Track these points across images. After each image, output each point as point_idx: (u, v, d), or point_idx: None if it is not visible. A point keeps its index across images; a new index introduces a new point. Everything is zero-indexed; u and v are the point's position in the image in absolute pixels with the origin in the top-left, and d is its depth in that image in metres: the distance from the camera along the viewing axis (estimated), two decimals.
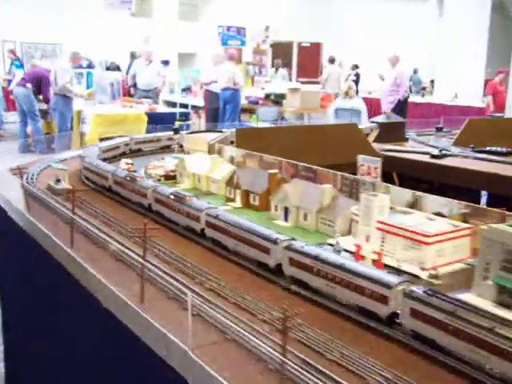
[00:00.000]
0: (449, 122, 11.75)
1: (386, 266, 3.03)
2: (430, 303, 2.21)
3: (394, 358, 2.22)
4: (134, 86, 17.09)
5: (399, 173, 7.18)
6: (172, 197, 3.70)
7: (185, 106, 18.27)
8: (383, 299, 2.38)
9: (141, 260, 2.42)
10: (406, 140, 7.89)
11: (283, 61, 26.02)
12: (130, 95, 17.05)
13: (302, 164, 4.30)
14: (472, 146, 7.39)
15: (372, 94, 25.51)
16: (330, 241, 3.42)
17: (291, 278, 2.86)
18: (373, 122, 7.72)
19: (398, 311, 2.37)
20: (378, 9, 30.83)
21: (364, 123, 19.15)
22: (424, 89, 29.44)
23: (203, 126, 19.10)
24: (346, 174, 3.97)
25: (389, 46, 29.97)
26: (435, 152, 6.77)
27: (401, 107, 19.01)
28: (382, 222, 3.18)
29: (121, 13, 24.20)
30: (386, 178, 6.97)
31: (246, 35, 23.12)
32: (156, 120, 14.43)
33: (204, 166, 4.67)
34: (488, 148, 7.14)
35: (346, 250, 3.25)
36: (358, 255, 3.11)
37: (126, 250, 2.86)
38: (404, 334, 2.34)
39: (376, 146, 6.95)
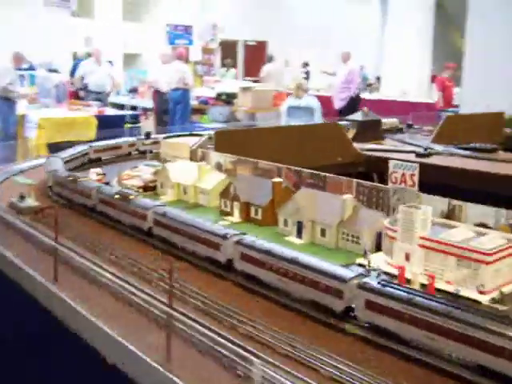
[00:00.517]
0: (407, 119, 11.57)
1: (438, 291, 2.58)
2: (385, 294, 2.20)
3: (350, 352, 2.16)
4: (84, 88, 16.17)
5: (380, 173, 6.80)
6: (117, 196, 3.60)
7: (133, 107, 17.55)
8: (338, 293, 2.35)
9: (167, 310, 1.86)
10: (383, 138, 7.52)
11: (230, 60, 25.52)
12: (79, 98, 16.13)
13: (306, 170, 3.81)
14: (455, 143, 7.09)
15: (320, 92, 25.29)
16: (359, 260, 2.94)
17: (243, 274, 2.80)
18: (348, 121, 7.30)
19: (352, 305, 2.33)
20: (324, 7, 30.69)
21: (317, 121, 18.87)
22: (370, 85, 29.46)
23: (152, 128, 18.42)
24: (363, 182, 3.50)
25: (336, 43, 29.89)
26: (420, 150, 6.42)
27: (353, 104, 18.77)
28: (426, 239, 2.72)
29: (60, 12, 23.12)
30: (366, 179, 6.58)
31: (193, 34, 22.48)
32: (105, 123, 13.68)
33: (190, 175, 4.12)
34: (472, 144, 6.84)
35: (385, 273, 2.78)
36: (401, 278, 2.64)
37: (135, 291, 2.30)
38: (360, 326, 2.31)
39: (356, 146, 6.55)
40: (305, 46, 28.96)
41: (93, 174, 4.70)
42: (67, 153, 5.10)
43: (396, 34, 26.68)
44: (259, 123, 18.89)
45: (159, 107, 17.37)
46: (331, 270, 2.42)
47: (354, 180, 3.53)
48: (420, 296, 2.14)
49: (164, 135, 5.14)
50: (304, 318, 2.46)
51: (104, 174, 4.62)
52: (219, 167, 4.34)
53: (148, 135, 5.34)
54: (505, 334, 1.90)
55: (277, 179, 3.59)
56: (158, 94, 17.38)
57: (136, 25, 25.15)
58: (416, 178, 3.17)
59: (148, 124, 17.29)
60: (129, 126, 13.96)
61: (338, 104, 18.80)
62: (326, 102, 20.08)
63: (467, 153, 6.52)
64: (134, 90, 19.92)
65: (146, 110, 17.46)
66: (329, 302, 2.37)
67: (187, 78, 17.09)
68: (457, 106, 21.40)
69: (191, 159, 4.54)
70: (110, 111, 15.14)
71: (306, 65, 27.07)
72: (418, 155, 6.30)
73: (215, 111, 18.36)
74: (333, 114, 19.31)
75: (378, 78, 29.37)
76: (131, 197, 3.53)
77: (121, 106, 17.59)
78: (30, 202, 3.89)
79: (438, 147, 6.68)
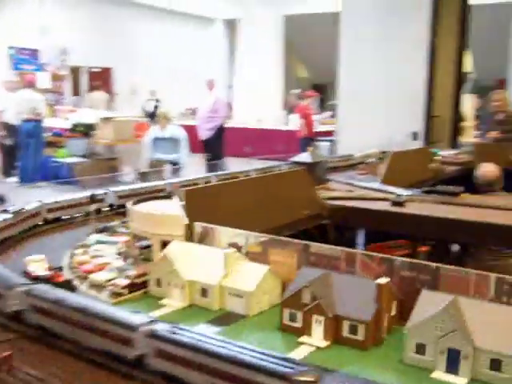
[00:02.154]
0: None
1: None
2: (175, 341, 2.09)
3: None
4: None
5: (341, 226, 5.87)
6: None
7: None
8: (127, 342, 2.19)
9: None
10: (328, 181, 6.58)
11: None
12: None
13: (398, 258, 2.69)
14: (406, 184, 6.42)
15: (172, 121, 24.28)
16: None
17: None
18: (295, 163, 6.27)
19: (144, 353, 2.16)
20: (169, 35, 29.83)
21: (183, 153, 17.73)
22: None
23: None
24: (504, 276, 2.46)
25: (183, 71, 29.04)
26: (393, 198, 5.56)
27: (219, 134, 17.97)
28: None
29: None
30: (321, 230, 5.63)
31: (40, 59, 20.22)
32: None
33: (207, 268, 2.83)
34: (437, 188, 6.13)
35: None
36: None
37: None
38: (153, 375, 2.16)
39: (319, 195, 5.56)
40: (152, 73, 27.79)
41: (33, 265, 3.19)
42: None
43: (248, 61, 26.51)
44: (121, 156, 17.38)
45: (6, 141, 15.33)
46: (119, 317, 2.26)
47: (490, 275, 2.47)
48: (209, 342, 2.04)
49: (127, 199, 3.71)
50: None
51: (60, 269, 3.13)
52: (235, 250, 3.07)
53: (93, 199, 3.84)
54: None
55: (383, 280, 2.44)
56: (4, 126, 15.35)
57: None
58: None
59: None
60: None
61: (204, 134, 17.89)
62: (190, 131, 19.04)
63: (437, 198, 5.78)
64: None
65: None
66: (120, 351, 2.21)
67: (40, 107, 15.24)
68: (317, 135, 21.44)
69: (186, 238, 3.23)
70: None
71: (153, 93, 25.91)
72: (395, 204, 5.44)
73: (73, 144, 16.56)
74: (198, 145, 18.29)
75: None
76: None
77: None
78: None
79: (404, 192, 5.88)
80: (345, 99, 13.93)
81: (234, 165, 15.08)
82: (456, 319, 2.16)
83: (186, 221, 3.18)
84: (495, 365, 2.11)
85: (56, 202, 4.37)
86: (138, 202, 3.56)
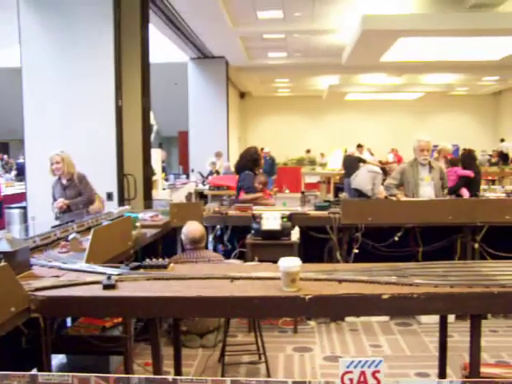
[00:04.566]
0: None
1: None
2: None
3: None
4: None
5: (49, 315, 5.56)
6: None
7: None
8: None
9: None
10: (31, 267, 6.14)
11: None
12: None
13: (134, 376, 2.62)
14: (126, 262, 6.42)
15: None
16: None
17: None
18: None
19: None
20: None
21: None
22: None
23: None
24: (238, 379, 2.56)
25: None
26: (104, 280, 5.42)
27: None
28: None
29: None
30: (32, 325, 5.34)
31: None
32: None
33: None
34: (145, 263, 6.14)
35: None
36: None
37: None
38: None
39: (25, 287, 5.17)
40: None
41: None
42: None
43: None
44: None
45: None
46: None
47: (219, 379, 2.56)
48: None
49: None
50: None
51: None
52: None
53: None
54: None
55: None
56: None
57: None
58: (381, 375, 2.36)
59: None
60: None
61: None
62: None
63: (151, 273, 5.83)
64: None
65: None
66: None
67: None
68: (6, 200, 20.30)
69: None
70: None
71: None
72: (106, 287, 5.34)
73: None
74: None
75: None
76: None
77: None
78: None
79: (114, 271, 5.81)
80: (32, 162, 13.19)
81: None
82: None
83: None
84: None
85: None
86: None
